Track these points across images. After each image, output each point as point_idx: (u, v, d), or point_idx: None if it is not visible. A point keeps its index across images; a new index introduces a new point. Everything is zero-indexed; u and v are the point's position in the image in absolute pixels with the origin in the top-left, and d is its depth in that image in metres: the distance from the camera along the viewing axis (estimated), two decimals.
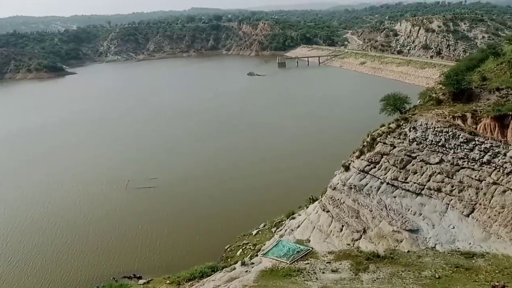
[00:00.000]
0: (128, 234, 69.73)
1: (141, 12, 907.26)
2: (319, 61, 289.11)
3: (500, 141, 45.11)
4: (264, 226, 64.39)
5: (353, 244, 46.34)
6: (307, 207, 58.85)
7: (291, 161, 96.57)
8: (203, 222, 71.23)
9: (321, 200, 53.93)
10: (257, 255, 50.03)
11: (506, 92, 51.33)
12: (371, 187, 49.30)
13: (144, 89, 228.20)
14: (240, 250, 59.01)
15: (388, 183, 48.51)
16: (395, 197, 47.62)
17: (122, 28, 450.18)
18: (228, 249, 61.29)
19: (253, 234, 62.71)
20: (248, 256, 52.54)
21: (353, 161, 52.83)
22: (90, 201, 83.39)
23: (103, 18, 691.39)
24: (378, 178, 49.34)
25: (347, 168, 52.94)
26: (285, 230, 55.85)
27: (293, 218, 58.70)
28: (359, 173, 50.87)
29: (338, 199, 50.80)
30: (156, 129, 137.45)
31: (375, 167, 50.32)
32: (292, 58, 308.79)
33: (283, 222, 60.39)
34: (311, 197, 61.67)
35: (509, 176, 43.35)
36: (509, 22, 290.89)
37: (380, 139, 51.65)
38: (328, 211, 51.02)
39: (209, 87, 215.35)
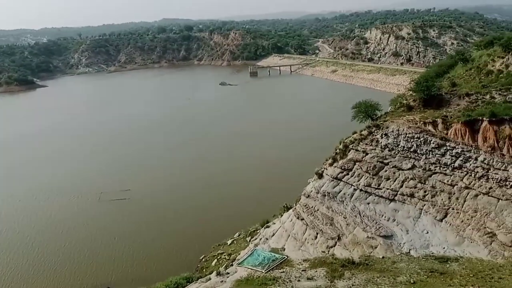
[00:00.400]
0: (102, 246, 68.82)
1: (112, 23, 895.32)
2: (290, 69, 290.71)
3: (471, 146, 45.68)
4: (239, 235, 63.96)
5: (328, 251, 46.15)
6: (282, 216, 58.53)
7: (265, 170, 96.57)
8: (177, 233, 70.68)
9: (295, 208, 53.73)
10: (232, 265, 49.44)
11: (476, 98, 52.19)
12: (344, 194, 49.33)
13: (115, 100, 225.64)
14: (215, 260, 58.42)
15: (361, 190, 48.62)
16: (368, 203, 47.71)
17: (93, 40, 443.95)
18: (203, 260, 60.71)
19: (228, 244, 62.21)
20: (223, 266, 51.97)
21: (326, 169, 52.83)
22: (63, 214, 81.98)
23: (73, 31, 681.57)
24: (352, 185, 49.41)
25: (320, 176, 52.91)
26: (260, 239, 55.40)
27: (268, 226, 58.30)
28: (333, 180, 50.88)
29: (312, 207, 50.67)
30: (128, 140, 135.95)
31: (348, 174, 50.40)
32: (264, 67, 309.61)
33: (258, 231, 59.95)
34: (285, 205, 61.40)
35: (481, 180, 43.87)
36: (477, 28, 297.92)
37: (352, 146, 51.82)
38: (302, 219, 50.82)
39: (181, 98, 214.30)
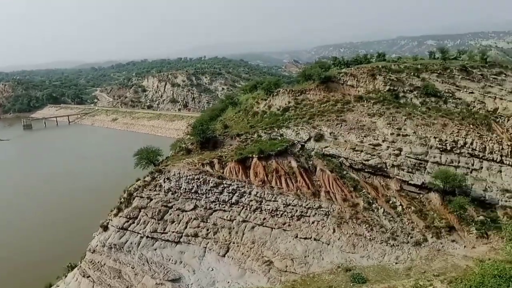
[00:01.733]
0: None
1: None
2: (68, 120, 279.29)
3: (245, 182, 49.33)
4: None
5: None
6: (66, 276, 55.03)
7: (44, 229, 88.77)
8: None
9: (80, 266, 51.10)
10: None
11: (245, 137, 56.95)
12: (131, 243, 48.67)
13: None
14: None
15: (148, 237, 48.54)
16: (155, 249, 47.78)
17: None
18: None
19: None
20: None
21: (111, 220, 51.65)
22: None
23: None
24: (138, 233, 49.05)
25: (105, 228, 51.46)
26: None
27: None
28: (119, 231, 49.88)
29: (99, 262, 48.80)
30: None
31: (134, 222, 50.01)
32: (39, 119, 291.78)
33: None
34: (69, 265, 57.63)
35: (256, 212, 47.44)
36: (243, 74, 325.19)
37: (137, 193, 51.79)
38: (88, 276, 48.52)
39: None
